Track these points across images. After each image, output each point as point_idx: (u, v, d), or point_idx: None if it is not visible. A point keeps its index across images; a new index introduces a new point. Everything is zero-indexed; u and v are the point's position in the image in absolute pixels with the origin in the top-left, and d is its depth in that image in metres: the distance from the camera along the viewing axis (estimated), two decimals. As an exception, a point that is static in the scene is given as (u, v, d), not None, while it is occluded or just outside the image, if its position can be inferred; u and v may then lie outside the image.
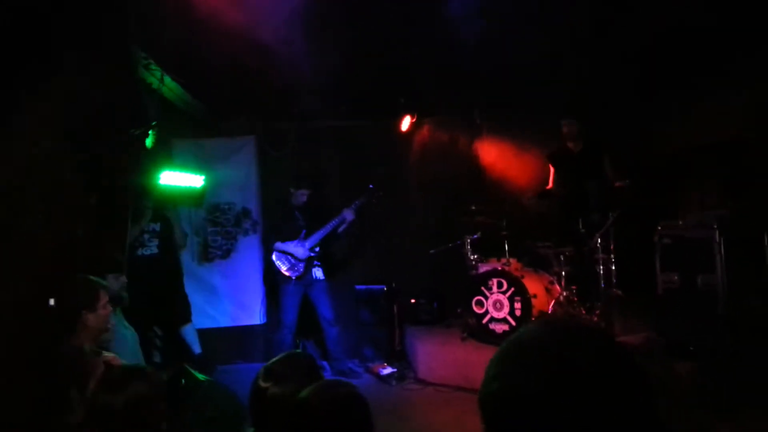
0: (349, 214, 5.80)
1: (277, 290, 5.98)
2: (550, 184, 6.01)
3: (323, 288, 5.95)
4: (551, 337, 0.76)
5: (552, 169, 6.02)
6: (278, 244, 5.85)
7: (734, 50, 5.20)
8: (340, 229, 5.90)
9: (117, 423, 1.64)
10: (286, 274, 5.80)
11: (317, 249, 5.88)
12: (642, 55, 5.50)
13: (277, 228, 5.98)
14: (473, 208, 6.14)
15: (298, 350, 5.13)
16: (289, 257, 5.82)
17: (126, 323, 4.24)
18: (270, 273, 6.36)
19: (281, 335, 5.81)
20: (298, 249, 5.79)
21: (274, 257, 5.88)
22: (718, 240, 4.80)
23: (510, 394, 0.74)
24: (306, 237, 5.84)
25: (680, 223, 5.17)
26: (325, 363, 6.03)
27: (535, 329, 0.79)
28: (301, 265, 5.79)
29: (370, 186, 6.00)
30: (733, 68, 5.42)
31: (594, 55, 5.46)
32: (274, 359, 1.96)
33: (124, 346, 3.40)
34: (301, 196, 5.91)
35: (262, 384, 1.82)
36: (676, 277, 5.09)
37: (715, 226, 4.83)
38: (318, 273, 5.94)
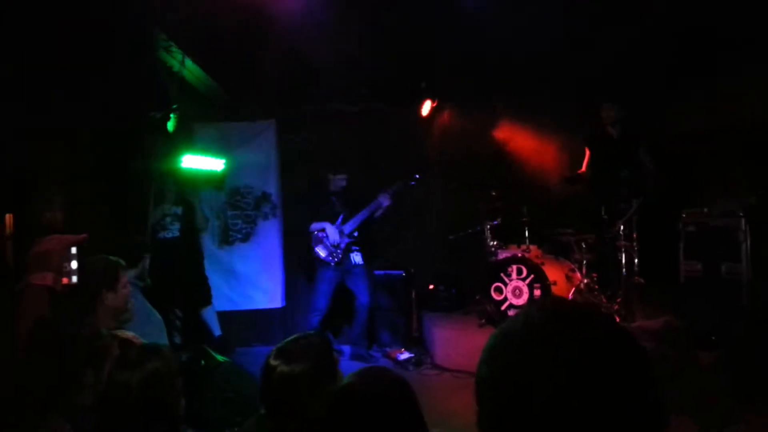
0: (385, 200, 5.78)
1: (313, 274, 5.95)
2: (584, 168, 5.88)
3: (362, 273, 5.93)
4: (539, 324, 0.74)
5: (588, 153, 5.89)
6: (314, 225, 5.81)
7: (758, 31, 5.03)
8: (377, 215, 5.89)
9: (132, 401, 1.65)
10: (326, 259, 5.77)
11: (356, 234, 5.87)
12: (665, 39, 5.36)
13: (313, 211, 5.93)
14: (493, 193, 6.10)
15: (312, 332, 5.14)
16: (327, 242, 5.77)
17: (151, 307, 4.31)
18: (303, 257, 6.39)
19: (310, 318, 5.80)
20: (335, 232, 5.77)
21: (312, 242, 5.84)
22: (744, 228, 4.70)
23: (496, 380, 0.73)
24: (343, 222, 5.84)
25: (705, 210, 5.07)
26: (345, 347, 6.07)
27: (525, 314, 0.77)
28: (340, 251, 5.77)
29: (417, 176, 5.96)
30: (756, 49, 5.25)
31: (616, 40, 5.33)
32: (288, 339, 1.95)
33: (154, 328, 3.45)
34: (340, 181, 5.88)
35: (272, 362, 1.81)
36: (699, 266, 5.01)
37: (742, 214, 4.73)
38: (357, 258, 5.92)
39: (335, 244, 5.77)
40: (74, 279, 1.52)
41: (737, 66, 5.48)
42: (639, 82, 6.06)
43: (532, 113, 6.57)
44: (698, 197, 5.36)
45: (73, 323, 2.12)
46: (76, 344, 1.95)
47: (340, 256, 5.76)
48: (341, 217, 5.86)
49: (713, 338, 4.30)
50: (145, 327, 3.46)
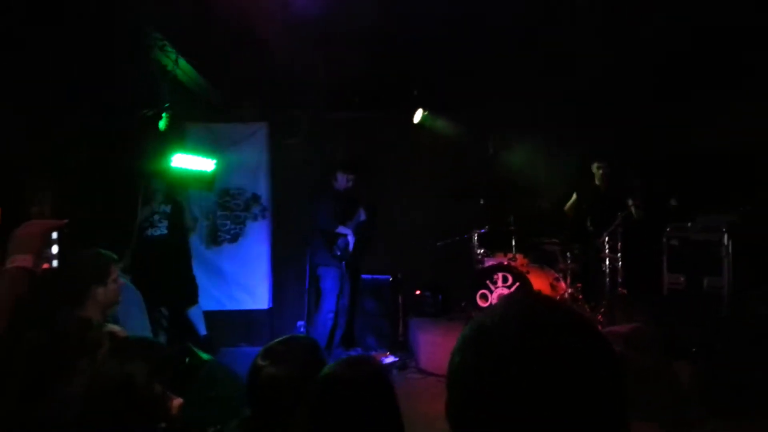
0: (362, 214, 5.90)
1: (319, 275, 5.94)
2: (567, 207, 6.10)
3: (349, 276, 5.99)
4: (510, 318, 0.76)
5: (575, 197, 6.06)
6: (341, 228, 5.83)
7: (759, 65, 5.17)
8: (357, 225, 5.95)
9: (118, 393, 1.66)
10: (341, 258, 5.80)
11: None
12: (663, 61, 5.45)
13: (321, 209, 5.92)
14: (482, 202, 6.15)
15: (301, 334, 5.09)
16: (342, 243, 5.79)
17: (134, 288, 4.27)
18: (293, 259, 6.39)
19: (324, 321, 5.77)
20: (350, 233, 5.83)
21: (326, 242, 5.81)
22: (726, 243, 4.79)
23: (468, 368, 0.75)
24: (347, 225, 5.88)
25: (689, 225, 5.15)
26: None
27: (503, 306, 0.79)
28: (348, 252, 5.82)
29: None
30: (757, 82, 5.38)
31: (618, 54, 5.39)
32: (276, 340, 1.93)
33: (134, 316, 3.44)
34: (348, 180, 5.92)
35: (260, 362, 1.79)
36: (682, 279, 5.09)
37: (724, 230, 4.82)
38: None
39: (347, 244, 5.79)
40: (54, 263, 1.54)
41: (736, 97, 5.60)
42: (631, 103, 6.16)
43: (524, 126, 6.64)
44: (683, 212, 5.43)
45: (61, 315, 2.13)
46: (65, 334, 1.96)
47: (348, 257, 5.80)
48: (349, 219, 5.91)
49: (693, 350, 4.36)
50: (135, 321, 3.46)
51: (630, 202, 5.53)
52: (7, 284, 1.38)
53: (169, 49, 4.79)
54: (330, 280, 5.82)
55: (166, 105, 5.10)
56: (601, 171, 5.82)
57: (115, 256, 2.78)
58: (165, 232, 5.74)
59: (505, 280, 5.51)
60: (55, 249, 1.53)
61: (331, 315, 5.76)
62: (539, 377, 0.69)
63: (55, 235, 1.52)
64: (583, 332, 0.75)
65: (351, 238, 5.80)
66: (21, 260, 1.41)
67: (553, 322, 0.75)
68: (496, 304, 0.80)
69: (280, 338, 1.94)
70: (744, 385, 3.84)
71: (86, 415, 1.64)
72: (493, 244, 6.17)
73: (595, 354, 0.73)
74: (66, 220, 1.53)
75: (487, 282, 5.61)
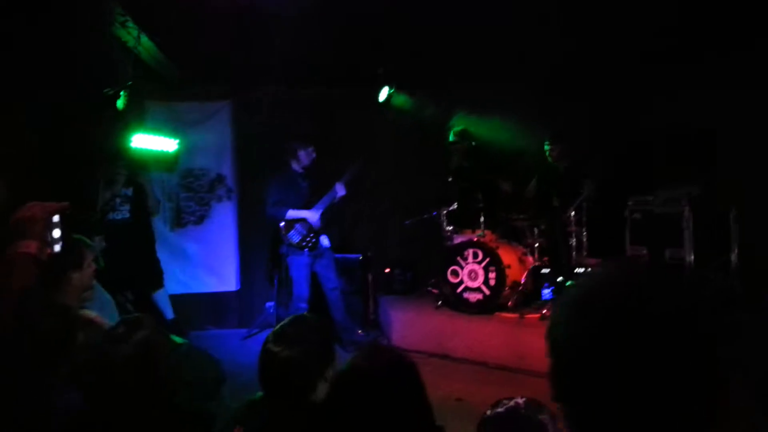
0: (341, 189, 5.61)
1: (284, 262, 5.73)
2: (529, 189, 6.08)
3: (330, 256, 5.80)
4: (607, 285, 0.77)
5: (535, 181, 6.06)
6: (292, 212, 5.51)
7: (718, 48, 5.32)
8: (334, 204, 5.74)
9: (124, 373, 1.62)
10: (301, 245, 5.53)
11: (324, 217, 5.67)
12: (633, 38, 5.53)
13: (282, 198, 5.58)
14: (450, 179, 6.19)
15: (306, 314, 4.80)
16: (301, 228, 5.53)
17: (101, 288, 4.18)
18: (261, 241, 6.31)
19: (296, 309, 5.53)
20: (314, 215, 5.54)
21: (284, 230, 5.53)
22: (687, 215, 4.96)
23: (573, 338, 0.76)
24: (311, 206, 5.60)
25: (650, 198, 5.31)
26: None
27: (592, 276, 0.80)
28: (313, 235, 5.55)
29: (361, 160, 5.82)
30: (718, 63, 5.54)
31: (582, 32, 5.44)
32: (282, 323, 1.94)
33: (106, 308, 3.36)
34: (309, 155, 5.63)
35: (274, 348, 1.81)
36: (644, 251, 5.25)
37: (685, 202, 4.99)
38: (325, 241, 5.71)
39: (310, 229, 5.55)
40: (57, 248, 1.48)
41: (696, 76, 5.74)
42: (598, 78, 6.23)
43: (488, 102, 6.67)
44: (645, 185, 5.58)
45: (40, 301, 2.05)
46: (47, 321, 1.89)
47: (314, 241, 5.57)
48: (315, 201, 5.66)
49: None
50: (97, 308, 3.37)
51: (584, 179, 5.66)
52: (14, 272, 1.32)
53: (131, 25, 4.60)
54: (296, 267, 5.59)
55: (128, 83, 4.91)
56: (553, 151, 5.86)
57: (88, 240, 2.72)
58: (127, 215, 5.59)
59: (475, 256, 5.59)
60: (57, 233, 1.46)
61: (303, 305, 5.55)
62: (642, 341, 0.71)
63: (56, 218, 1.45)
64: (680, 292, 0.76)
65: (315, 222, 5.54)
66: (25, 246, 1.34)
67: (649, 284, 0.76)
68: (586, 273, 0.81)
69: (286, 321, 1.96)
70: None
71: (91, 402, 1.61)
72: (461, 221, 6.23)
73: (693, 311, 0.74)
74: (68, 203, 1.46)
75: (458, 258, 5.68)
